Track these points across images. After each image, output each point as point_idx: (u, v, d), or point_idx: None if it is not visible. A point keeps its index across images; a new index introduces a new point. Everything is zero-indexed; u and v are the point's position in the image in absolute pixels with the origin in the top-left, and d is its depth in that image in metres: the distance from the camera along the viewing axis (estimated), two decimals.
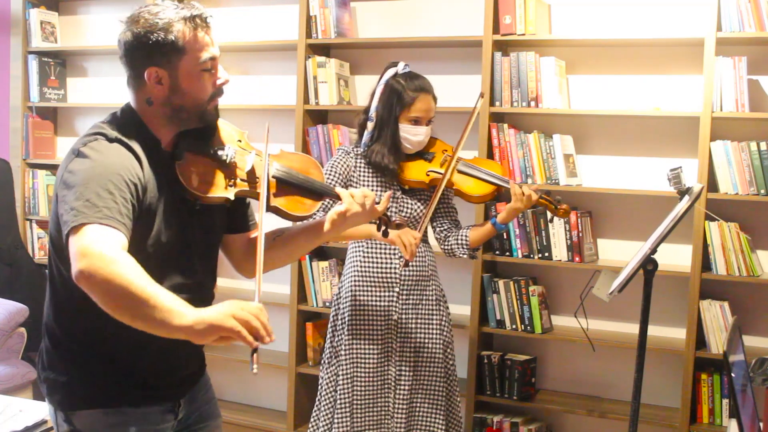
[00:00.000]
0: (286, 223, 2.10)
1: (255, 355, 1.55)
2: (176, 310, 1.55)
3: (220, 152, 1.86)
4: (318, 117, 4.06)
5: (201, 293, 1.89)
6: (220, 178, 1.85)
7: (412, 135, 2.86)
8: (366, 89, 4.04)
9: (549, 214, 2.97)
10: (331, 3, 3.88)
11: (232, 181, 1.86)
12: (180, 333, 1.55)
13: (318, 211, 2.11)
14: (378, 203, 2.08)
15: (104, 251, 1.54)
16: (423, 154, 2.94)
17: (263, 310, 1.58)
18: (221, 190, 1.85)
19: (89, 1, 4.71)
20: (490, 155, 3.60)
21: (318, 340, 4.02)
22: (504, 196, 3.06)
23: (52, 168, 4.70)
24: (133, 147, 1.74)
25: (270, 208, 1.91)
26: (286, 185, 1.97)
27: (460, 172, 2.91)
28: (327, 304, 3.94)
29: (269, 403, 4.34)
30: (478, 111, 2.93)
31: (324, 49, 4.03)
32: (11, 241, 4.44)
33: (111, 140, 1.73)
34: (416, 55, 3.84)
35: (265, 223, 1.84)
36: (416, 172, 2.90)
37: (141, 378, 1.83)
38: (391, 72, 2.90)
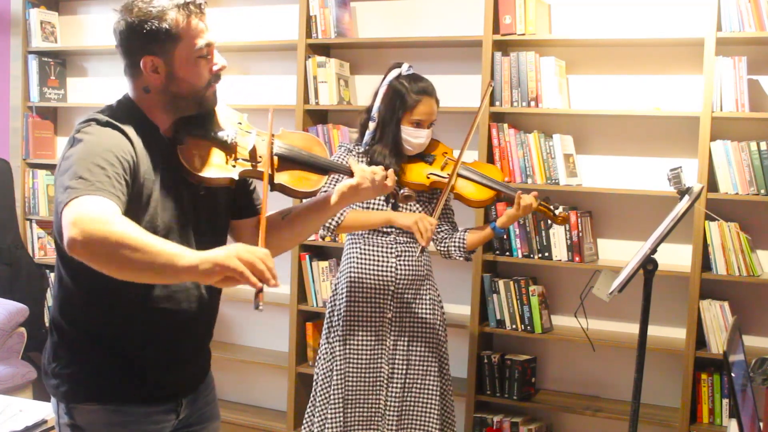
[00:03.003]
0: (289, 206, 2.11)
1: (260, 294, 1.58)
2: (179, 252, 1.55)
3: (220, 134, 1.88)
4: (318, 117, 4.06)
5: None
6: (222, 159, 1.87)
7: (413, 138, 2.86)
8: (366, 89, 4.05)
9: (548, 221, 2.99)
10: (331, 3, 3.88)
11: (234, 161, 1.88)
12: (186, 274, 1.56)
13: (324, 186, 2.15)
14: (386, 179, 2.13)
15: (95, 214, 1.54)
16: (423, 156, 2.94)
17: (269, 256, 1.59)
18: (225, 170, 1.86)
19: (89, 1, 4.71)
20: (490, 155, 3.60)
21: (318, 340, 4.02)
22: (504, 199, 3.06)
23: (52, 168, 4.70)
24: (125, 130, 1.75)
25: (275, 186, 1.92)
26: (289, 162, 1.98)
27: (461, 176, 2.91)
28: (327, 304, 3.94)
29: (269, 403, 4.34)
30: (486, 103, 2.91)
31: (324, 49, 4.03)
32: (11, 241, 4.44)
33: (102, 124, 1.73)
34: (416, 55, 3.84)
35: (272, 204, 1.85)
36: (416, 174, 2.90)
37: (145, 374, 1.83)
38: (394, 73, 2.90)
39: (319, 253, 4.03)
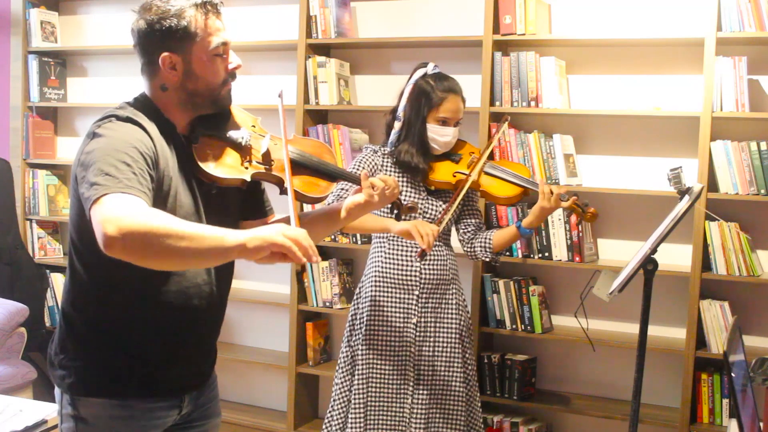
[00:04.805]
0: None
1: (304, 272, 1.62)
2: (223, 233, 1.61)
3: (235, 135, 1.90)
4: (318, 117, 4.06)
5: (217, 275, 1.92)
6: (236, 160, 1.90)
7: (439, 135, 2.86)
8: (366, 89, 4.06)
9: (575, 218, 2.96)
10: (331, 3, 3.88)
11: (248, 163, 1.91)
12: (234, 253, 1.62)
13: (332, 193, 2.16)
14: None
15: (130, 212, 1.56)
16: (450, 155, 2.94)
17: (308, 235, 1.68)
18: (238, 171, 1.89)
19: (89, 1, 4.71)
20: (490, 155, 3.59)
21: (318, 340, 4.02)
22: (530, 199, 3.05)
23: (52, 168, 4.70)
24: (144, 125, 1.78)
25: (285, 191, 1.94)
26: (300, 167, 2.01)
27: (487, 173, 2.91)
28: (327, 304, 3.93)
29: (269, 403, 4.34)
30: (501, 132, 2.95)
31: (324, 49, 4.03)
32: (11, 241, 4.44)
33: (122, 119, 1.76)
34: (416, 55, 3.84)
35: (279, 210, 1.85)
36: (443, 173, 2.90)
37: (152, 370, 1.85)
38: (420, 72, 2.90)
39: (319, 253, 4.02)
